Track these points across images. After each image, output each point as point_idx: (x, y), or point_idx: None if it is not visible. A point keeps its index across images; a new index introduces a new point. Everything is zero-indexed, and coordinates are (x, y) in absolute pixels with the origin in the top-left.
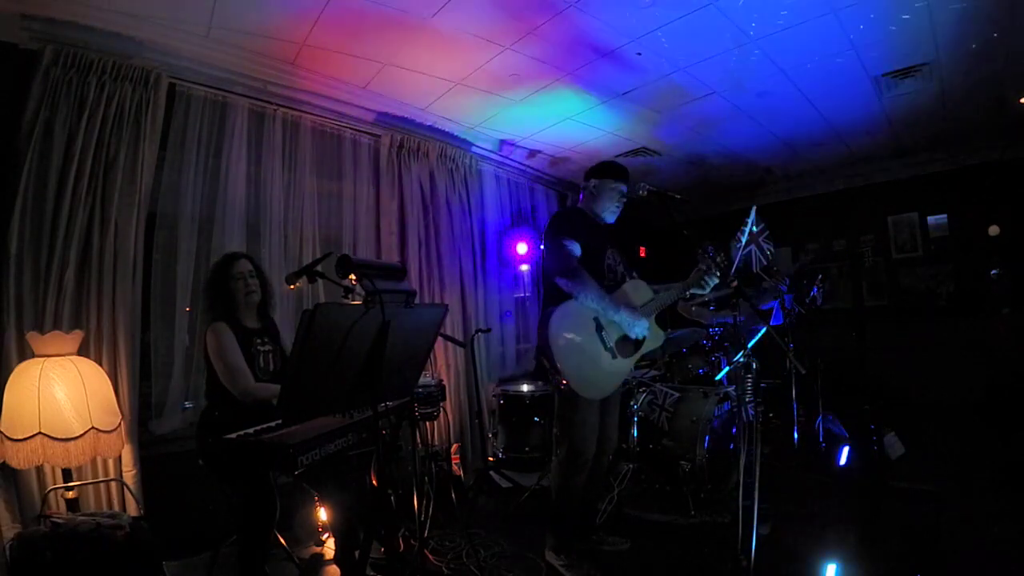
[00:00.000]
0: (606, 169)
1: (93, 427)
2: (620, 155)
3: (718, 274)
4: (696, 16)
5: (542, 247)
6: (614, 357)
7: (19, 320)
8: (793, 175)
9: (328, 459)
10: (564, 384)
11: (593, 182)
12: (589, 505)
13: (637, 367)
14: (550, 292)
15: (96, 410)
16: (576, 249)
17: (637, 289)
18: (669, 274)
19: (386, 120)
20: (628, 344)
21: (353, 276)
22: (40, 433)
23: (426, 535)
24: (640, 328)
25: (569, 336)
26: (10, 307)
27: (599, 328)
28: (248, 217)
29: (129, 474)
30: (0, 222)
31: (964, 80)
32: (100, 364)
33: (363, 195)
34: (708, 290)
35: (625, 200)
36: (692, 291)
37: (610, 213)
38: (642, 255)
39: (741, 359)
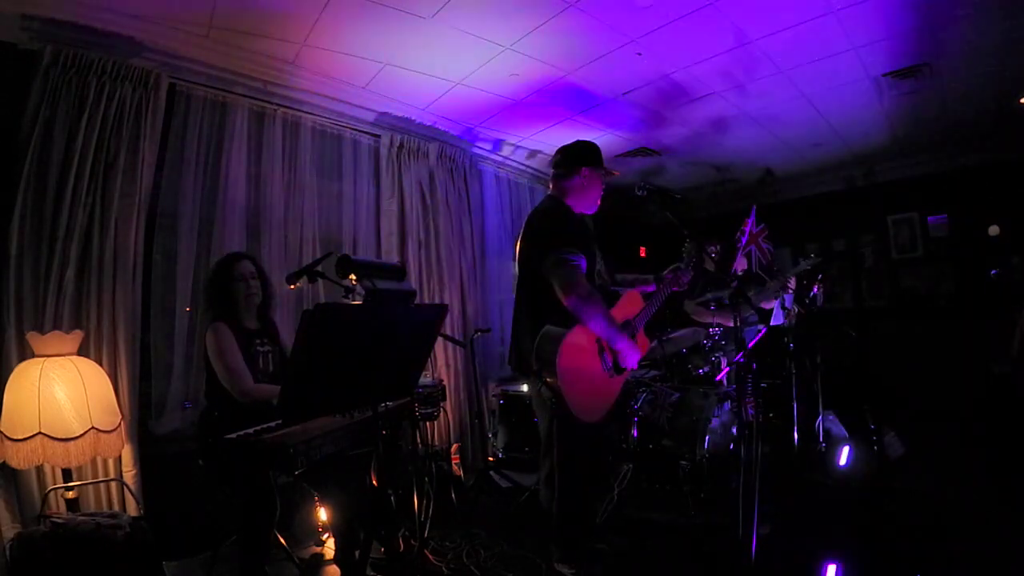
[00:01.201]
0: (597, 156)
1: (93, 427)
2: (620, 155)
3: (691, 269)
4: (696, 16)
5: (534, 250)
6: (611, 376)
7: (19, 320)
8: (793, 175)
9: (328, 459)
10: (565, 409)
11: (586, 172)
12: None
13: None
14: (547, 306)
15: (96, 410)
16: (584, 265)
17: (632, 301)
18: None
19: (386, 120)
20: None
21: (353, 276)
22: (40, 433)
23: (426, 535)
24: (634, 361)
25: (578, 363)
26: (10, 307)
27: (601, 350)
28: (248, 217)
29: (129, 474)
30: (0, 222)
31: (964, 80)
32: (100, 364)
33: (363, 195)
34: (686, 288)
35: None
36: (672, 289)
37: (596, 205)
38: (642, 255)
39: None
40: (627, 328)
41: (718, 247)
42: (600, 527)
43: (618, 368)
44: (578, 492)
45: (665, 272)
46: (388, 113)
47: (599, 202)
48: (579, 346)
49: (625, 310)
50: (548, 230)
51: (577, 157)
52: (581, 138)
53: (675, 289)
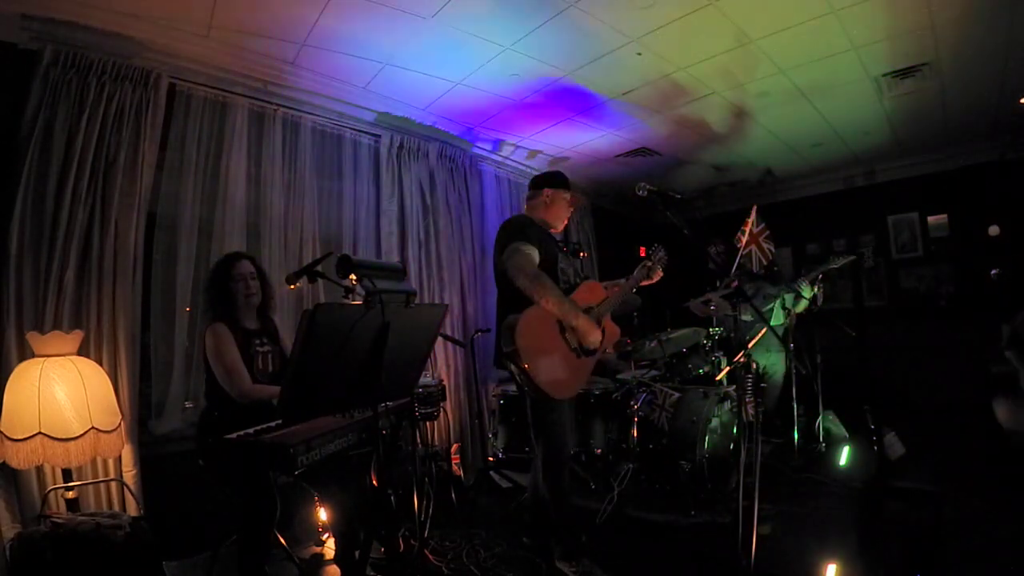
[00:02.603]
0: (560, 179)
1: (93, 427)
2: (620, 155)
3: (659, 269)
4: (696, 16)
5: (499, 253)
6: (579, 356)
7: (19, 320)
8: (793, 175)
9: (328, 459)
10: (538, 391)
11: (548, 192)
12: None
13: (637, 367)
14: (510, 298)
15: (96, 410)
16: (535, 254)
17: (592, 290)
18: (668, 274)
19: (386, 120)
20: None
21: (353, 276)
22: (40, 433)
23: (426, 535)
24: (595, 337)
25: (539, 341)
26: (10, 307)
27: (563, 330)
28: (248, 217)
29: (129, 474)
30: (0, 222)
31: (964, 80)
32: (100, 364)
33: (363, 195)
34: (654, 282)
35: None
36: (640, 282)
37: (561, 221)
38: (642, 255)
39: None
40: (587, 312)
41: (723, 247)
42: (600, 527)
43: (585, 350)
44: (560, 478)
45: (634, 272)
46: (388, 113)
47: (566, 221)
48: (537, 324)
49: (584, 297)
50: (509, 233)
51: (542, 180)
52: (580, 138)
53: (644, 283)
